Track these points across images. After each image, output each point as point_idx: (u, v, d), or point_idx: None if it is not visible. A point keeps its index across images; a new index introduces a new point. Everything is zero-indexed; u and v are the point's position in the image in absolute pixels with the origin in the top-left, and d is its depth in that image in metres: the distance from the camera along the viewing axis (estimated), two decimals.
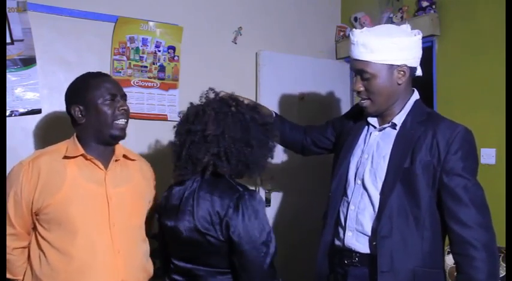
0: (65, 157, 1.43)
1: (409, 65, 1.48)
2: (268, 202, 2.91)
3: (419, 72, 1.56)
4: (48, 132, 2.25)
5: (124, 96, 1.53)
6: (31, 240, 1.45)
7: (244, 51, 2.91)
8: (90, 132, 1.47)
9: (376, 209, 1.46)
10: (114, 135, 1.48)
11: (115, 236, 1.44)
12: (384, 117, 1.55)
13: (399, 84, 1.48)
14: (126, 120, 1.50)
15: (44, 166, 1.41)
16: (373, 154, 1.51)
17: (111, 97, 1.47)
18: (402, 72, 1.47)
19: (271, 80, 2.94)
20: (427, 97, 2.71)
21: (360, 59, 1.48)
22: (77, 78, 1.55)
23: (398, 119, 1.51)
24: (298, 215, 2.92)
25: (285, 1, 3.10)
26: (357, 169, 1.55)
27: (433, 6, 2.62)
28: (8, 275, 1.45)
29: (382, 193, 1.45)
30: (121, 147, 1.56)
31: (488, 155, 2.36)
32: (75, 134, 1.49)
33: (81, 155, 1.44)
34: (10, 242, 1.41)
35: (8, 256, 1.41)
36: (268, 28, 3.01)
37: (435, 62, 2.63)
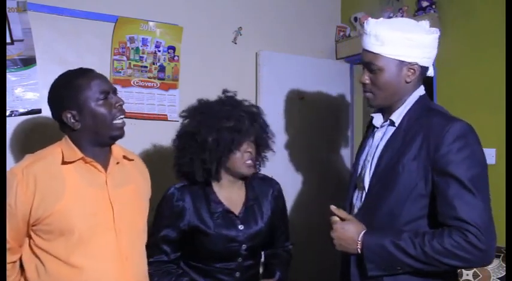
0: (64, 163, 1.33)
1: (421, 64, 1.39)
2: None
3: (431, 72, 1.49)
4: (48, 133, 2.25)
5: (115, 91, 1.42)
6: (23, 251, 1.35)
7: (244, 51, 2.91)
8: (86, 136, 1.36)
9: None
10: (113, 136, 1.39)
11: (121, 242, 1.37)
12: (386, 114, 1.48)
13: (407, 82, 1.40)
14: (123, 117, 1.41)
15: (40, 173, 1.29)
16: (374, 155, 1.46)
17: (104, 96, 1.36)
18: (412, 71, 1.39)
19: (271, 80, 2.93)
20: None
21: (370, 50, 1.40)
22: (59, 81, 1.40)
23: (397, 116, 1.42)
24: (299, 215, 2.92)
25: (285, 1, 3.10)
26: (360, 172, 1.50)
27: (433, 6, 2.62)
28: None
29: (368, 194, 1.41)
30: (118, 147, 1.49)
31: (488, 155, 2.34)
32: (67, 137, 1.39)
33: (80, 158, 1.35)
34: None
35: None
36: (268, 28, 3.01)
37: (435, 62, 2.62)
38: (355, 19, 3.10)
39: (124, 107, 1.42)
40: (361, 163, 1.53)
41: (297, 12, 3.14)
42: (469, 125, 1.32)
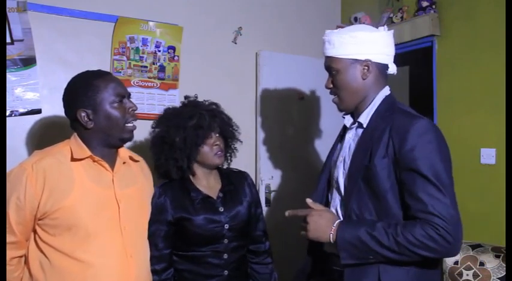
0: (74, 159, 1.37)
1: (373, 60, 1.44)
2: (268, 202, 2.91)
3: (392, 70, 1.51)
4: (48, 133, 2.25)
5: (130, 95, 1.48)
6: (29, 246, 1.37)
7: (244, 51, 2.91)
8: (97, 136, 1.41)
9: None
10: (124, 139, 1.44)
11: (126, 240, 1.40)
12: (355, 116, 1.52)
13: (364, 79, 1.45)
14: (135, 121, 1.46)
15: (49, 168, 1.32)
16: (345, 156, 1.49)
17: (119, 99, 1.41)
18: (366, 67, 1.44)
19: (271, 80, 2.94)
20: (427, 97, 2.72)
21: (326, 55, 1.53)
22: (77, 79, 1.45)
23: (364, 117, 1.45)
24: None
25: (285, 1, 3.10)
26: (332, 173, 1.53)
27: (433, 6, 2.62)
28: None
29: (346, 193, 1.42)
30: (124, 149, 1.53)
31: (488, 155, 2.36)
32: (76, 135, 1.43)
33: (89, 156, 1.39)
34: (9, 251, 1.31)
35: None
36: (268, 28, 3.01)
37: (435, 62, 2.63)
38: (355, 19, 3.10)
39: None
40: (332, 163, 1.56)
41: (297, 12, 3.15)
42: (431, 122, 1.34)
